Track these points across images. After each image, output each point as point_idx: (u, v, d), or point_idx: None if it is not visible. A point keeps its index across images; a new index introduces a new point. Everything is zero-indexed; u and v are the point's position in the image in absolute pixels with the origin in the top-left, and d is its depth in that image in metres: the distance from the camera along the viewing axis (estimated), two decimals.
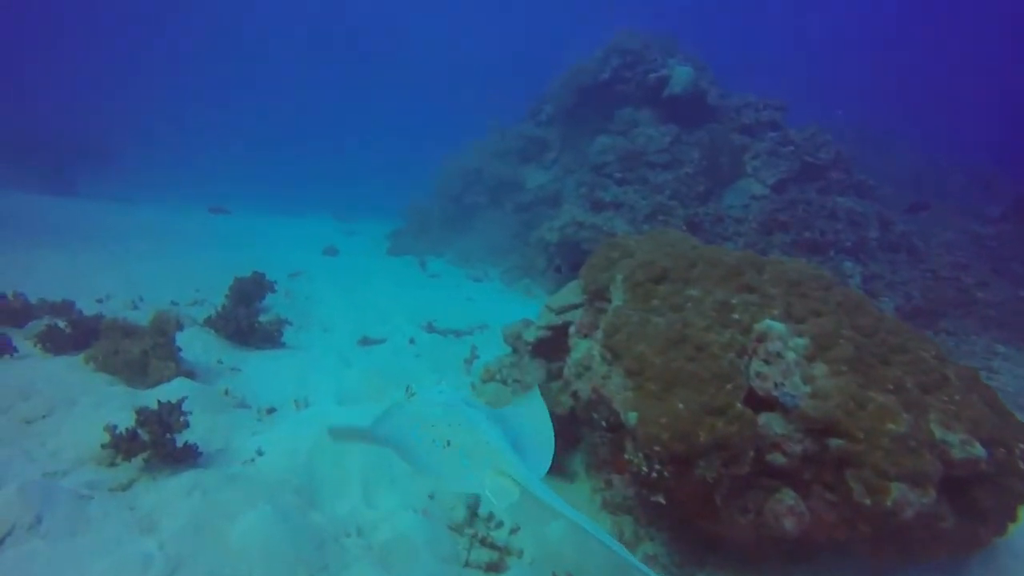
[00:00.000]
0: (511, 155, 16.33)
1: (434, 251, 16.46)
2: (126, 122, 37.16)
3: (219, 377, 5.88)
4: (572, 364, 4.49)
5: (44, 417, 4.40)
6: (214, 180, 30.60)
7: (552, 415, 4.73)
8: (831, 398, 3.05)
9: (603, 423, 3.87)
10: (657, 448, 3.09)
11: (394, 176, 33.98)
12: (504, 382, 5.67)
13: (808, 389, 3.13)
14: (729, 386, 3.17)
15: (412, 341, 8.17)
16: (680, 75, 12.96)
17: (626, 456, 3.47)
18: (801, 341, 3.30)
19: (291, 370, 6.36)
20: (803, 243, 10.43)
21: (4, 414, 4.38)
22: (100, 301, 7.75)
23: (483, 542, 3.88)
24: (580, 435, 4.84)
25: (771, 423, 3.17)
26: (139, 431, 3.92)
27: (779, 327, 3.35)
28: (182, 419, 4.14)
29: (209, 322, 6.99)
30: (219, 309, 7.16)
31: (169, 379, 5.25)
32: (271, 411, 5.31)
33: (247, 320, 6.97)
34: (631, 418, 3.26)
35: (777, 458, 3.15)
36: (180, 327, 6.46)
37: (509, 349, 6.12)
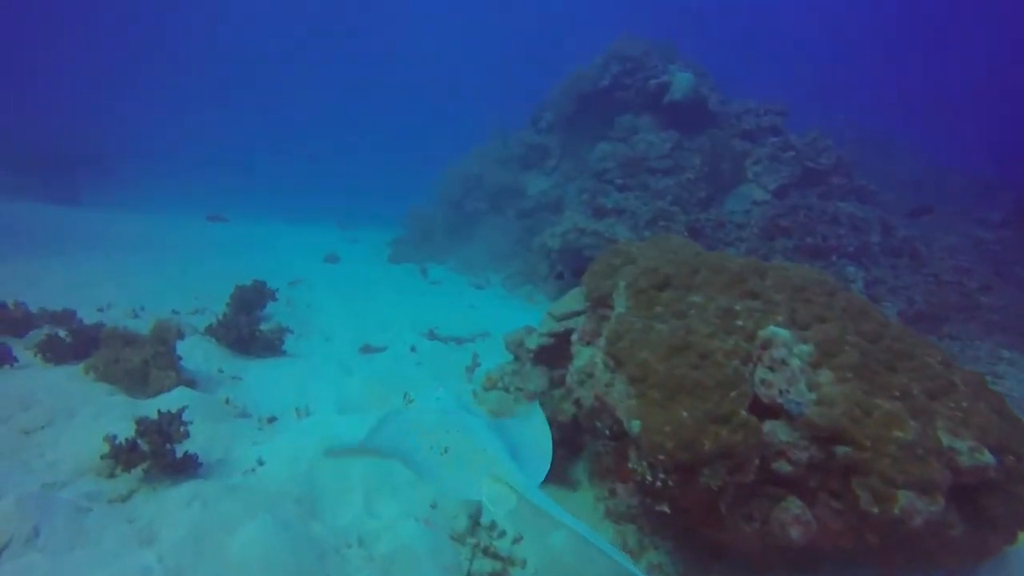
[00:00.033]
0: (512, 162, 16.36)
1: (435, 258, 16.46)
2: (127, 130, 37.46)
3: (220, 386, 5.86)
4: (575, 371, 4.46)
5: (43, 428, 4.38)
6: (214, 187, 30.75)
7: (555, 423, 4.74)
8: (837, 405, 3.02)
9: (606, 431, 3.84)
10: (661, 457, 3.05)
11: (395, 183, 34.13)
12: (506, 390, 5.64)
13: (813, 396, 3.09)
14: (733, 393, 3.14)
15: (413, 349, 8.15)
16: (680, 81, 12.98)
17: (630, 465, 3.43)
18: (806, 348, 3.26)
19: (292, 378, 6.33)
20: (805, 248, 10.41)
21: (3, 424, 4.36)
22: (101, 310, 7.74)
23: (485, 552, 3.84)
24: (583, 443, 4.81)
25: (776, 431, 3.14)
26: (139, 441, 3.89)
27: (783, 334, 3.32)
28: (182, 429, 4.11)
29: (210, 331, 6.97)
30: (220, 317, 7.14)
31: (170, 388, 5.22)
32: (272, 420, 5.29)
33: (248, 328, 6.95)
34: (635, 426, 3.23)
35: (782, 466, 3.12)
36: (181, 336, 6.45)
37: (511, 356, 6.10)
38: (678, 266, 4.08)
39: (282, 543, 3.39)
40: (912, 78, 44.85)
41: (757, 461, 3.07)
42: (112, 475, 3.87)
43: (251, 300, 8.35)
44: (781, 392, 3.15)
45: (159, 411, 4.15)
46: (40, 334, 5.98)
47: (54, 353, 5.65)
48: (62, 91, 43.80)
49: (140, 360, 5.35)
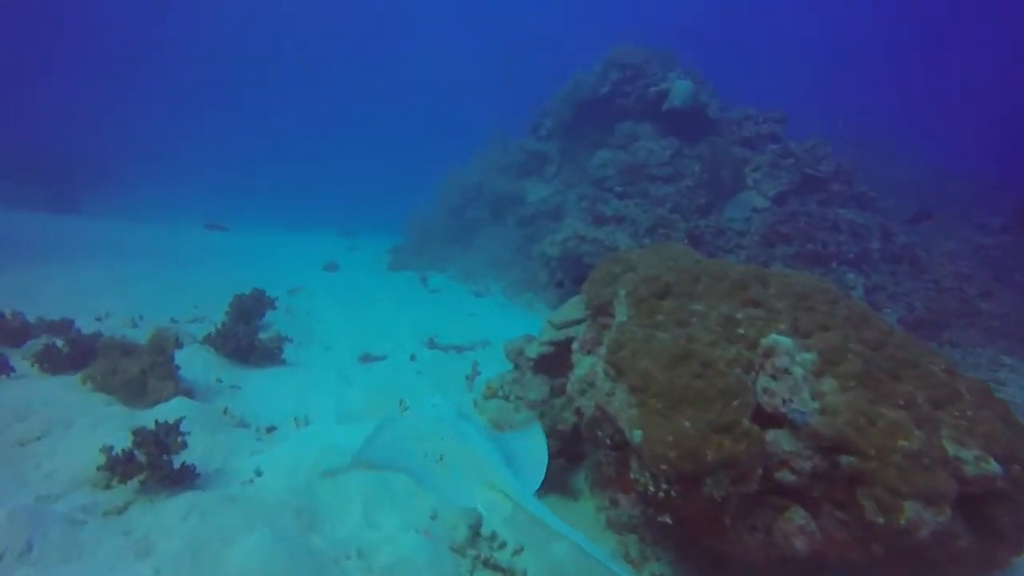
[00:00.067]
0: (512, 169, 16.36)
1: (435, 266, 16.43)
2: (127, 130, 37.56)
3: (218, 395, 5.82)
4: (575, 380, 4.43)
5: (39, 438, 4.34)
6: (213, 189, 30.81)
7: (555, 432, 4.71)
8: (841, 414, 2.99)
9: (607, 441, 3.80)
10: (664, 467, 3.02)
11: (395, 185, 34.18)
12: (506, 399, 5.61)
13: (817, 405, 3.06)
14: (736, 403, 3.11)
15: (413, 358, 8.11)
16: (680, 89, 13.01)
17: (632, 475, 3.40)
18: (809, 356, 3.23)
19: (291, 388, 6.30)
20: (805, 255, 10.40)
21: None
22: (99, 319, 7.70)
23: (486, 563, 3.80)
24: (584, 452, 4.77)
25: (779, 440, 3.11)
26: (136, 452, 3.86)
27: (786, 342, 3.29)
28: (180, 439, 4.08)
29: (209, 340, 6.94)
30: (219, 326, 7.11)
31: (168, 398, 5.19)
32: (271, 430, 5.25)
33: (247, 337, 6.92)
34: (636, 436, 3.19)
35: (786, 476, 3.08)
36: (179, 345, 6.39)
37: (511, 365, 6.07)
38: (679, 274, 4.06)
39: (280, 556, 3.35)
40: (912, 79, 45.02)
41: (760, 471, 3.04)
42: (108, 487, 3.83)
43: (250, 309, 8.31)
44: (784, 401, 3.12)
45: (156, 421, 4.11)
46: (38, 344, 5.94)
47: (51, 363, 5.61)
48: (62, 92, 44.01)
49: (138, 370, 5.32)
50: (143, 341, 5.93)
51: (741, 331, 3.48)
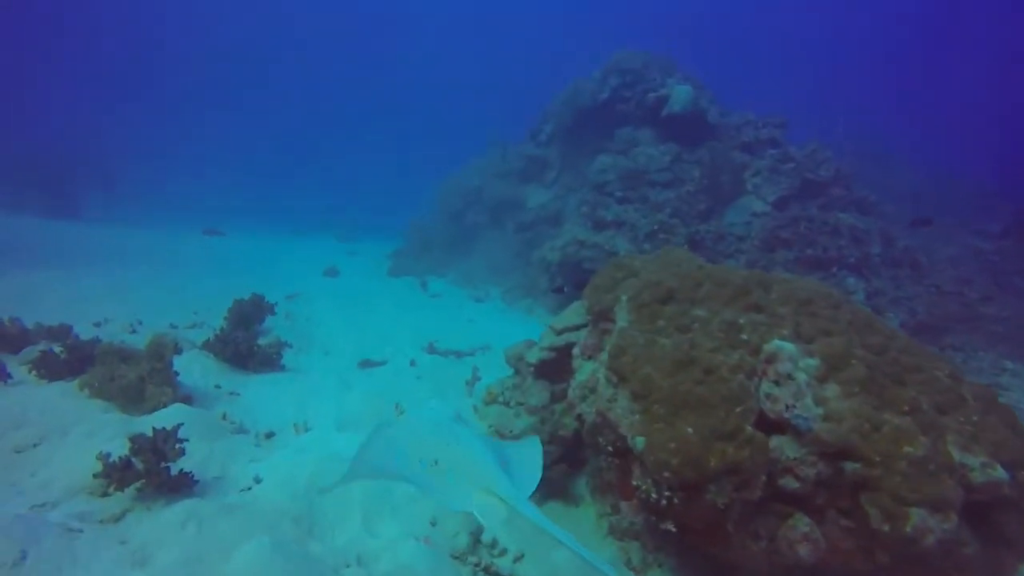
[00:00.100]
0: (512, 175, 16.36)
1: (435, 271, 16.41)
2: (127, 130, 37.55)
3: (217, 402, 5.79)
4: (576, 386, 4.40)
5: (35, 446, 4.30)
6: (213, 190, 30.78)
7: (556, 438, 4.68)
8: (845, 420, 2.96)
9: (609, 447, 3.77)
10: (666, 474, 2.99)
11: (395, 185, 34.15)
12: (507, 404, 5.57)
13: (820, 411, 3.03)
14: (739, 409, 3.08)
15: (413, 363, 8.08)
16: (679, 94, 13.01)
17: (634, 482, 3.36)
18: (812, 362, 3.21)
19: (291, 394, 6.27)
20: (806, 260, 10.37)
21: None
22: (98, 325, 7.68)
23: (487, 571, 3.76)
24: (585, 459, 4.73)
25: (783, 446, 3.08)
26: (133, 460, 3.82)
27: (789, 347, 3.26)
28: (177, 447, 4.04)
29: (207, 345, 6.90)
30: (218, 332, 7.08)
31: (166, 405, 5.15)
32: (270, 436, 5.22)
33: (246, 343, 6.88)
34: (639, 443, 3.16)
35: (790, 483, 3.05)
36: (178, 351, 6.38)
37: (511, 370, 6.03)
38: (681, 279, 4.04)
39: (279, 565, 3.31)
40: (912, 80, 45.05)
41: (764, 478, 3.01)
42: (105, 494, 3.79)
43: (249, 314, 8.28)
44: (787, 407, 3.09)
45: (154, 428, 4.08)
46: (35, 350, 5.91)
47: (49, 369, 5.58)
48: (62, 92, 44.02)
49: (136, 376, 5.28)
50: (142, 347, 5.91)
51: (744, 336, 3.45)
